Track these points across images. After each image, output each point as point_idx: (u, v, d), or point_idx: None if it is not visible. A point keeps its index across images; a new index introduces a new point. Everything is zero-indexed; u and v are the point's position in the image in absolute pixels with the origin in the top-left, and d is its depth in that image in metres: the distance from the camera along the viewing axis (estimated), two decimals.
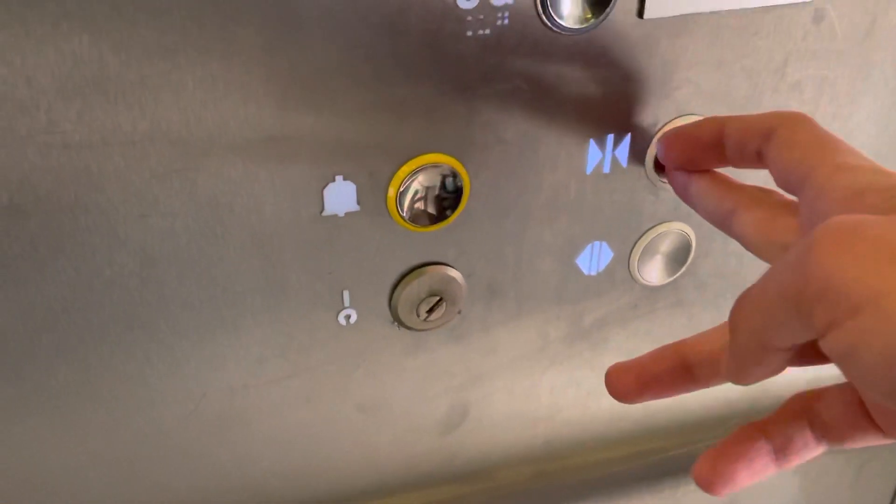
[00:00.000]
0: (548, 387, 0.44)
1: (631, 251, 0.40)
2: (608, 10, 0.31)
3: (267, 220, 0.32)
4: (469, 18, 0.30)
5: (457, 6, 0.29)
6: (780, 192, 0.28)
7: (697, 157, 0.31)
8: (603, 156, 0.36)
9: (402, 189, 0.33)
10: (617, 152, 0.36)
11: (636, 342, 0.44)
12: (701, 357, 0.30)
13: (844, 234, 0.19)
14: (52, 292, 0.31)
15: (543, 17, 0.31)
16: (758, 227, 0.28)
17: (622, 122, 0.35)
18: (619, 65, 0.33)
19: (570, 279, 0.40)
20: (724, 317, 0.25)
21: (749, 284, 0.23)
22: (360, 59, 0.29)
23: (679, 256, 0.41)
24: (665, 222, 0.40)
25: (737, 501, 0.55)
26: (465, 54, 0.31)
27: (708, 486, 0.27)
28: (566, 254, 0.39)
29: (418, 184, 0.33)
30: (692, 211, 0.32)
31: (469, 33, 0.30)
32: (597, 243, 0.39)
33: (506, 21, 0.30)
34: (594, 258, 0.40)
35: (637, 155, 0.36)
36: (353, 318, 0.37)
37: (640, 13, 0.32)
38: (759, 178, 0.30)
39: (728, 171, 0.31)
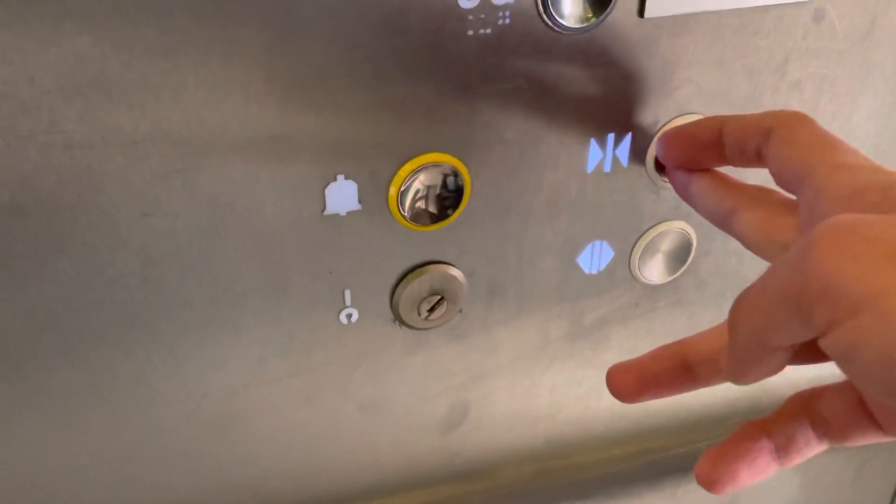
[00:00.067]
0: (549, 386, 0.44)
1: (632, 250, 0.40)
2: (609, 9, 0.31)
3: (268, 219, 0.32)
4: (470, 18, 0.30)
5: (458, 5, 0.29)
6: (781, 191, 0.28)
7: (697, 157, 0.31)
8: (604, 155, 0.36)
9: (403, 188, 0.33)
10: (618, 151, 0.36)
11: (637, 341, 0.44)
12: (701, 356, 0.30)
13: (844, 233, 0.19)
14: (53, 292, 0.31)
15: (544, 17, 0.31)
16: (758, 226, 0.28)
17: (623, 121, 0.35)
18: (620, 64, 0.33)
19: (570, 278, 0.40)
20: (724, 316, 0.25)
21: (749, 283, 0.23)
22: (361, 59, 0.29)
23: (680, 255, 0.41)
24: (666, 221, 0.40)
25: (738, 500, 0.55)
26: (465, 54, 0.31)
27: (710, 484, 0.27)
28: (567, 253, 0.39)
29: (419, 183, 0.33)
30: (693, 210, 0.32)
31: (470, 33, 0.30)
32: (597, 242, 0.39)
33: (507, 20, 0.30)
34: (595, 257, 0.40)
35: (638, 154, 0.36)
36: (355, 318, 0.37)
37: (641, 13, 0.32)
38: (760, 177, 0.30)
39: (729, 170, 0.31)
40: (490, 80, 0.32)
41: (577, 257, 0.39)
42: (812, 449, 0.27)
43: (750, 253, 0.28)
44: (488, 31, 0.30)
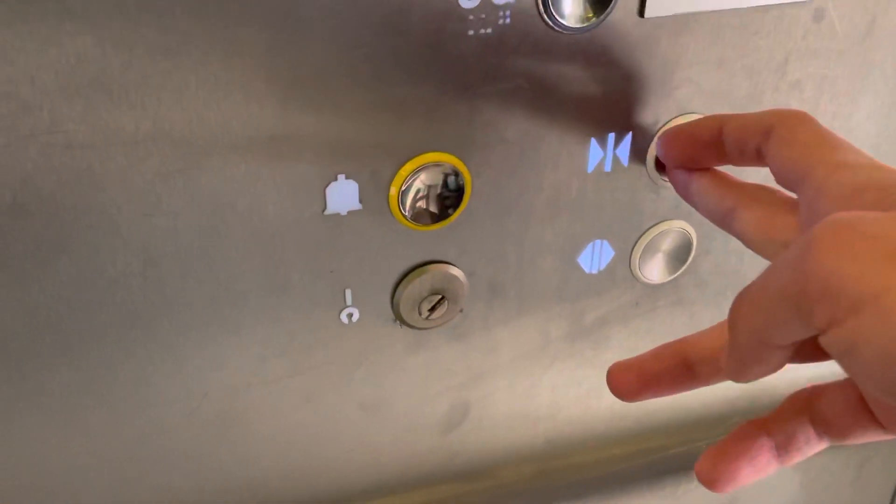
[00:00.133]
0: (549, 385, 0.44)
1: (632, 249, 0.40)
2: (609, 9, 0.31)
3: (269, 219, 0.32)
4: (470, 17, 0.30)
5: (458, 5, 0.29)
6: (781, 189, 0.28)
7: (697, 156, 0.31)
8: (604, 154, 0.36)
9: (404, 188, 0.33)
10: (618, 151, 0.36)
11: (637, 340, 0.44)
12: (702, 355, 0.30)
13: (844, 231, 0.19)
14: (54, 292, 0.31)
15: (545, 17, 0.31)
16: (758, 225, 0.28)
17: (623, 120, 0.35)
18: (620, 64, 0.33)
19: (571, 278, 0.40)
20: (724, 315, 0.25)
21: (749, 282, 0.23)
22: (361, 59, 0.29)
23: (680, 255, 0.41)
24: (666, 221, 0.40)
25: (738, 499, 0.55)
26: (466, 53, 0.31)
27: (711, 483, 0.27)
28: (567, 252, 0.39)
29: (420, 182, 0.33)
30: (693, 209, 0.32)
31: (470, 32, 0.30)
32: (598, 242, 0.39)
33: (507, 20, 0.30)
34: (595, 256, 0.40)
35: (638, 153, 0.36)
36: (356, 317, 0.37)
37: (641, 12, 0.32)
38: (760, 176, 0.30)
39: (729, 170, 0.31)
40: (491, 79, 0.32)
41: (577, 257, 0.39)
42: (812, 447, 0.27)
43: (750, 252, 0.28)
44: (489, 30, 0.30)
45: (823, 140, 0.26)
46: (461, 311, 0.39)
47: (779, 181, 0.27)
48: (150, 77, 0.27)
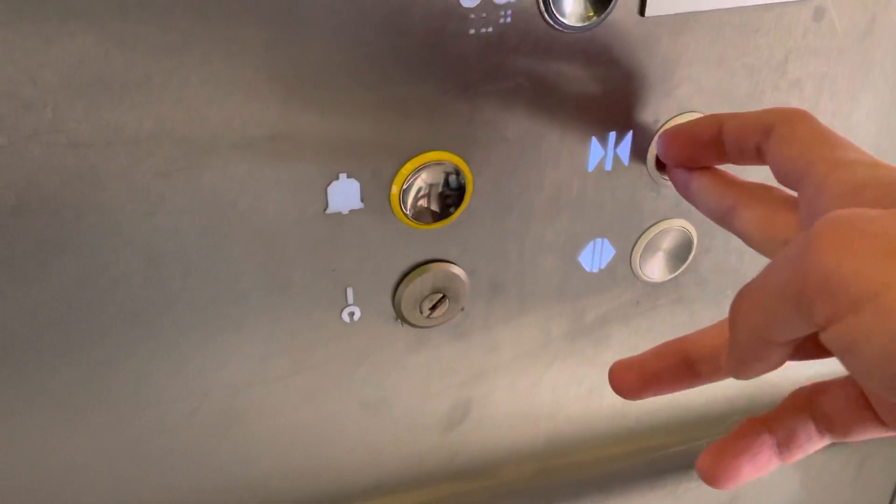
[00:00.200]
0: (550, 384, 0.44)
1: (633, 248, 0.40)
2: (610, 8, 0.31)
3: (271, 217, 0.32)
4: (472, 17, 0.30)
5: (459, 4, 0.29)
6: (781, 187, 0.28)
7: (697, 155, 0.31)
8: (605, 153, 0.36)
9: (405, 186, 0.33)
10: (619, 150, 0.36)
11: (638, 339, 0.44)
12: (703, 353, 0.30)
13: (844, 228, 0.19)
14: (55, 291, 0.31)
15: (546, 16, 0.31)
16: (758, 224, 0.28)
17: (624, 119, 0.35)
18: (621, 63, 0.33)
19: (572, 276, 0.40)
20: (725, 313, 0.25)
21: (750, 280, 0.23)
22: (362, 58, 0.29)
23: (680, 253, 0.42)
24: (666, 219, 0.40)
25: (738, 498, 0.56)
26: (467, 52, 0.31)
27: (712, 480, 0.28)
28: (568, 251, 0.39)
29: (422, 181, 0.33)
30: (693, 208, 0.32)
31: (471, 31, 0.30)
32: (599, 240, 0.39)
33: (508, 19, 0.30)
34: (596, 255, 0.40)
35: (639, 152, 0.36)
36: (357, 316, 0.37)
37: (642, 11, 0.32)
38: (760, 174, 0.30)
39: (729, 168, 0.31)
40: (491, 78, 0.32)
41: (578, 255, 0.39)
42: (814, 444, 0.27)
43: (750, 250, 0.28)
44: (490, 29, 0.30)
45: (823, 138, 0.26)
46: (462, 309, 0.39)
47: (779, 179, 0.27)
48: (152, 76, 0.27)
